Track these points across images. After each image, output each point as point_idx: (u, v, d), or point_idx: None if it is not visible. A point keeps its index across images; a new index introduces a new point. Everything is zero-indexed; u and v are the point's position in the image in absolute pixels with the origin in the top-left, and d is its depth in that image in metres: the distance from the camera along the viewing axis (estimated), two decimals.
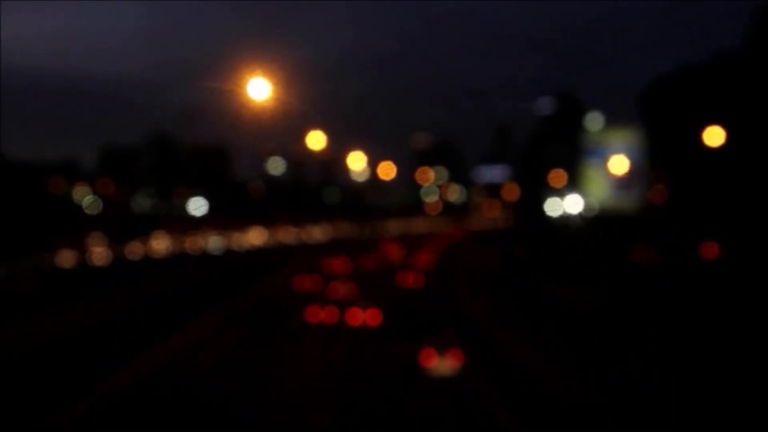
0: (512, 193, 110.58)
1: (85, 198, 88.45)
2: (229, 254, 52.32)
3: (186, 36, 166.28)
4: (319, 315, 20.71)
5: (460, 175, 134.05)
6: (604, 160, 71.05)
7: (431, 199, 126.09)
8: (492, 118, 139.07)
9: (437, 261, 42.15)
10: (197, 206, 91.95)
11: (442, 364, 14.02)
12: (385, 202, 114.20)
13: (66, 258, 39.80)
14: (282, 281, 31.28)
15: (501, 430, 9.86)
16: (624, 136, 74.45)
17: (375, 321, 19.89)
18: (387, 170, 68.99)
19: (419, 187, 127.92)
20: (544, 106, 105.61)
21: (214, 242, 61.39)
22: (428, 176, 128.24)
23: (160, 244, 55.97)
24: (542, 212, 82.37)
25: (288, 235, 75.57)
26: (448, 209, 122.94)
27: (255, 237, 72.58)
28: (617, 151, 69.46)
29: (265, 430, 9.96)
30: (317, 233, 78.78)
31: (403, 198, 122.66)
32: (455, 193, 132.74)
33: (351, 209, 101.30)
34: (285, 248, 59.29)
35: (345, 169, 65.85)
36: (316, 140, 34.12)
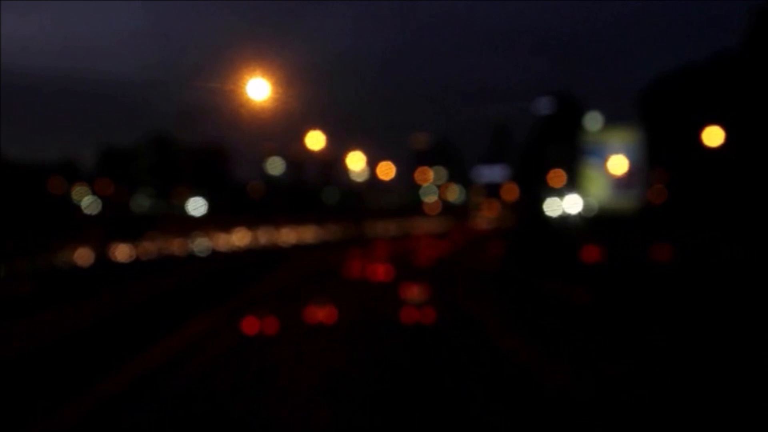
0: (511, 193, 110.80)
1: (84, 198, 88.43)
2: (229, 255, 52.28)
3: (186, 36, 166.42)
4: (354, 274, 32.13)
5: (459, 175, 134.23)
6: (604, 160, 71.18)
7: (430, 199, 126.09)
8: (491, 118, 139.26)
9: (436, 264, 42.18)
10: (196, 206, 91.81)
11: (414, 295, 23.10)
12: (384, 201, 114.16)
13: (63, 258, 39.79)
14: (283, 283, 31.26)
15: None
16: (623, 136, 74.54)
17: (389, 278, 30.45)
18: (386, 170, 69.12)
19: (418, 187, 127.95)
20: (544, 105, 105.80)
21: (209, 243, 61.29)
22: (427, 176, 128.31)
23: (158, 244, 55.88)
24: (541, 212, 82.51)
25: (286, 235, 75.49)
26: (448, 209, 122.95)
27: (253, 237, 72.50)
28: (616, 151, 69.60)
29: None
30: (310, 234, 78.60)
31: (402, 198, 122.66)
32: (454, 193, 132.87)
33: (349, 209, 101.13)
34: (283, 249, 59.24)
35: (344, 169, 65.92)
36: (316, 140, 34.18)
